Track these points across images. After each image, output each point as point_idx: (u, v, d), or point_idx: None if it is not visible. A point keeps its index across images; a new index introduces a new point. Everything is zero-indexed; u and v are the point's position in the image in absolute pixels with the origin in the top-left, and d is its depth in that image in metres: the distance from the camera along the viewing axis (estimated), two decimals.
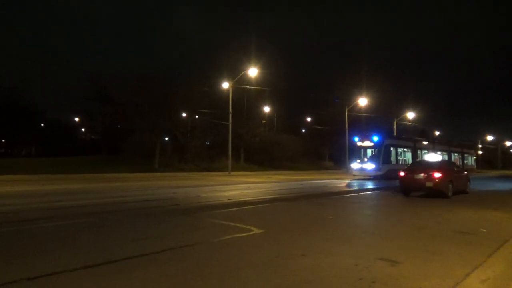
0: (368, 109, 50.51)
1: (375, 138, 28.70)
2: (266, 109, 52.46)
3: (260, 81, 39.60)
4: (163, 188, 16.91)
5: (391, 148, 29.89)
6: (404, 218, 8.75)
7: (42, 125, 78.74)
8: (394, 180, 25.87)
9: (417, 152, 33.80)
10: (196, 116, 44.89)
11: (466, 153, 47.99)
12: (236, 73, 34.87)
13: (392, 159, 30.00)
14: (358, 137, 29.99)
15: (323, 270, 4.41)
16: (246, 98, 45.68)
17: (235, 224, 7.31)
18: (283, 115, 59.47)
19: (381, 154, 28.15)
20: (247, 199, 12.86)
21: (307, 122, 65.38)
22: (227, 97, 35.46)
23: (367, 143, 29.17)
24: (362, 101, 46.82)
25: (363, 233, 6.80)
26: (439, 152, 38.72)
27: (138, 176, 29.61)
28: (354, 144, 30.40)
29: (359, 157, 29.43)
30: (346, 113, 46.53)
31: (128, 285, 3.85)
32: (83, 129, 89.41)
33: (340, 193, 16.78)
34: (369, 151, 29.56)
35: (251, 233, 6.54)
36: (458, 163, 40.48)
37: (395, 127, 52.71)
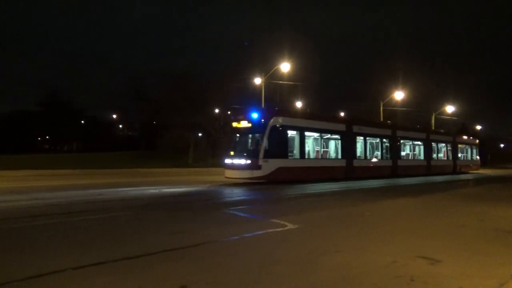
0: (405, 103, 49.05)
1: (254, 115, 17.65)
2: (299, 104, 52.11)
3: (293, 75, 39.36)
4: (198, 183, 17.21)
5: (288, 133, 18.27)
6: (444, 216, 8.46)
7: (82, 122, 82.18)
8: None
9: (352, 140, 22.28)
10: (229, 112, 45.36)
11: (464, 144, 36.81)
12: (269, 68, 34.83)
13: (290, 150, 18.72)
14: (233, 115, 19.25)
15: (359, 266, 4.36)
16: (278, 93, 45.56)
17: (269, 219, 7.34)
18: (316, 110, 58.87)
19: (263, 142, 16.89)
20: (281, 194, 12.87)
21: (341, 116, 64.35)
22: (260, 92, 35.52)
23: (244, 123, 17.95)
24: (399, 95, 45.45)
25: (400, 230, 6.64)
26: (404, 141, 27.80)
27: (173, 171, 30.34)
28: (230, 126, 19.76)
29: (234, 147, 18.53)
30: (381, 107, 45.40)
31: (165, 277, 3.96)
32: (120, 126, 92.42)
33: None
34: (249, 137, 18.33)
35: (285, 228, 6.54)
36: (436, 156, 30.78)
37: (433, 121, 50.93)
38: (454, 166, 33.52)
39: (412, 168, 27.55)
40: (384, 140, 25.17)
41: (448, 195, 13.46)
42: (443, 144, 32.63)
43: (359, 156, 22.76)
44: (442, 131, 41.24)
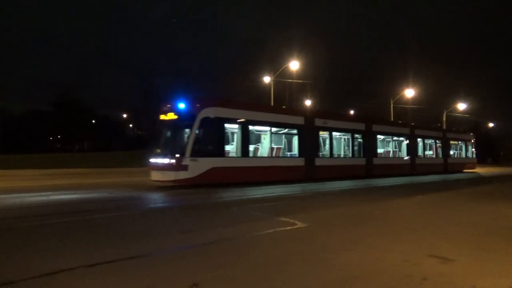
0: (417, 101, 48.67)
1: (182, 106, 14.93)
2: (308, 102, 51.95)
3: (303, 74, 39.32)
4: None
5: (225, 126, 15.80)
6: (456, 215, 8.35)
7: (93, 121, 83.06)
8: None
9: (314, 136, 19.43)
10: None
11: (457, 140, 33.16)
12: (279, 67, 34.81)
13: (229, 147, 16.48)
14: (161, 106, 16.18)
15: (370, 265, 4.32)
16: (288, 91, 45.56)
17: (278, 218, 7.32)
18: (325, 108, 58.69)
19: (192, 137, 14.40)
20: (289, 193, 12.85)
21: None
22: (269, 91, 35.52)
23: (171, 115, 15.26)
24: (409, 93, 45.04)
25: (411, 229, 6.57)
26: (382, 137, 24.70)
27: None
28: (157, 119, 16.44)
29: (160, 144, 15.81)
30: (392, 105, 45.04)
31: (176, 275, 3.97)
32: (130, 125, 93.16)
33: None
34: (177, 132, 15.74)
35: (295, 227, 6.52)
36: (422, 153, 27.90)
37: (444, 119, 50.39)
38: (445, 164, 30.39)
39: (392, 167, 24.34)
40: (356, 135, 22.16)
41: (453, 194, 13.28)
42: (432, 140, 29.71)
43: (323, 154, 20.36)
44: (431, 125, 37.31)
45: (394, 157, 25.56)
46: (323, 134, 20.33)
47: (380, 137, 24.38)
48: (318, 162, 19.31)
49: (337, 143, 21.73)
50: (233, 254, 4.83)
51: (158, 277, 3.89)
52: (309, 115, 19.62)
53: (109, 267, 4.22)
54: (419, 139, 27.47)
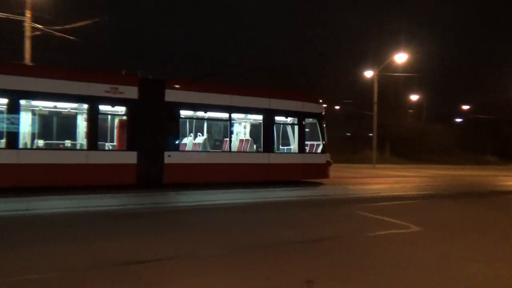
0: None
1: None
2: (414, 97, 48.43)
3: (409, 67, 36.78)
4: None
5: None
6: None
7: None
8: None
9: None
10: (337, 107, 44.48)
11: (225, 111, 12.30)
12: (382, 60, 33.06)
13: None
14: None
15: (499, 279, 3.88)
16: (392, 86, 43.17)
17: (389, 219, 7.00)
18: (433, 103, 54.02)
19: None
20: (398, 193, 12.20)
21: (464, 110, 57.79)
22: (371, 85, 34.01)
23: None
24: None
25: None
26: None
27: None
28: None
29: None
30: None
31: (290, 269, 4.06)
32: None
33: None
34: None
35: (409, 230, 6.17)
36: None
37: None
38: (152, 166, 10.98)
39: None
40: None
41: None
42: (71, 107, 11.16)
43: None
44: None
45: None
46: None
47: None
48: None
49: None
50: (345, 253, 4.76)
51: (274, 269, 4.03)
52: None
53: (226, 256, 4.52)
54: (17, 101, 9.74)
